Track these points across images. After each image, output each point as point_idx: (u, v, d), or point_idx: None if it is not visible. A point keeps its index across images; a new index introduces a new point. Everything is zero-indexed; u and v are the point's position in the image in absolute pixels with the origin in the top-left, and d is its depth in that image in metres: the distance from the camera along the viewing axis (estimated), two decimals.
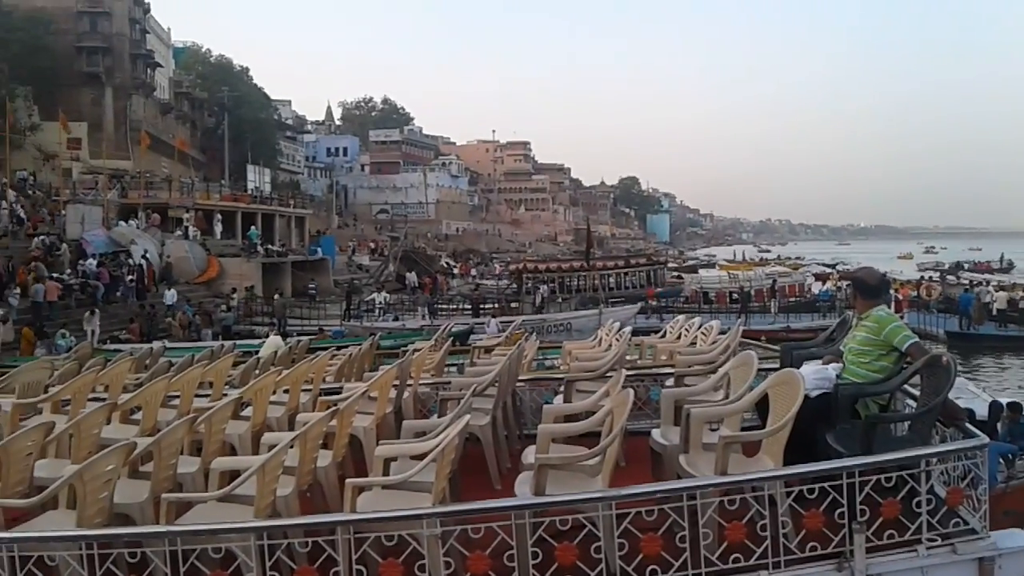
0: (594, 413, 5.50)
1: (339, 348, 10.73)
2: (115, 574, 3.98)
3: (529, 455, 5.00)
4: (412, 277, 44.97)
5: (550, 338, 24.37)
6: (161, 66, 72.44)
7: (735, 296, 39.11)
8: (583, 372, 6.97)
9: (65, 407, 7.18)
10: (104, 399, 7.42)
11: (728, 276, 48.21)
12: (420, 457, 4.50)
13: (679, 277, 51.52)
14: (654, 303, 36.77)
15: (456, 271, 55.30)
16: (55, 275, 27.82)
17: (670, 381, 6.80)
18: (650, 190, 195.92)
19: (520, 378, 7.52)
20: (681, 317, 10.53)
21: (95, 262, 30.86)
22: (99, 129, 59.94)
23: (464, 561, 3.94)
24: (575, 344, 10.00)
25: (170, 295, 30.86)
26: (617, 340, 8.57)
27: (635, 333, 9.86)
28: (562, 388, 7.17)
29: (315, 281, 42.51)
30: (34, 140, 53.19)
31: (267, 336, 19.50)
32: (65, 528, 4.18)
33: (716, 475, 4.26)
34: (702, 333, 8.86)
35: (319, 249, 50.65)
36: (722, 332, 8.27)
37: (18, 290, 26.00)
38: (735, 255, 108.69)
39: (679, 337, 9.36)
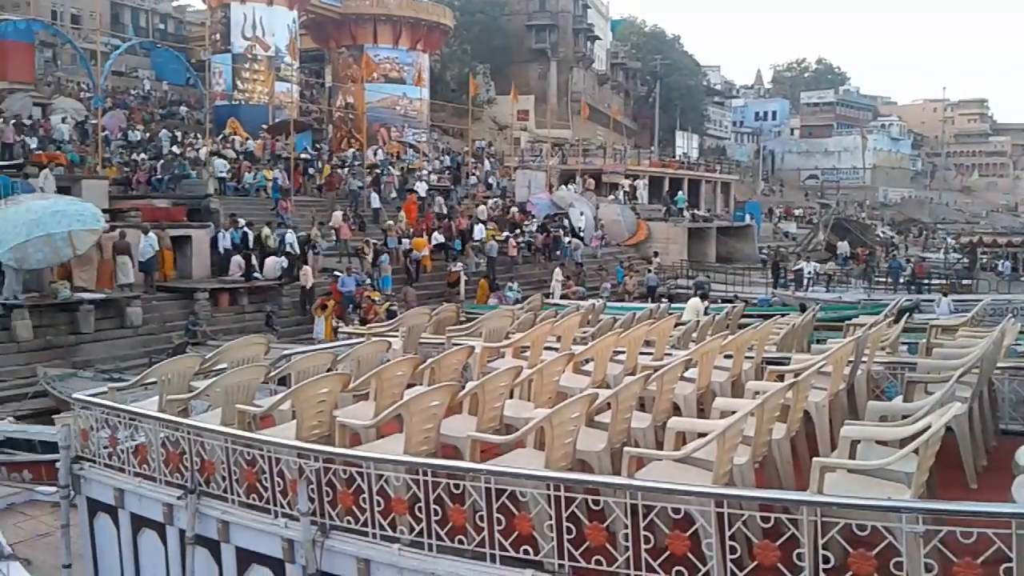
0: None
1: (763, 317, 10.33)
2: (578, 517, 4.17)
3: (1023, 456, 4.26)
4: (844, 246, 42.02)
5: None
6: (599, 38, 76.30)
7: None
8: None
9: (522, 353, 7.82)
10: (555, 348, 7.94)
11: None
12: (892, 444, 4.05)
13: None
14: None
15: (896, 242, 50.72)
16: (507, 234, 30.91)
17: None
18: None
19: (998, 365, 6.54)
20: None
21: (539, 223, 33.76)
22: (543, 101, 65.16)
23: (949, 567, 3.46)
24: None
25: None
26: None
27: None
28: None
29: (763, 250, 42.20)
30: (490, 112, 59.94)
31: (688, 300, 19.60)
32: (535, 468, 4.44)
33: None
34: None
35: (745, 215, 49.85)
36: None
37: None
38: None
39: None
